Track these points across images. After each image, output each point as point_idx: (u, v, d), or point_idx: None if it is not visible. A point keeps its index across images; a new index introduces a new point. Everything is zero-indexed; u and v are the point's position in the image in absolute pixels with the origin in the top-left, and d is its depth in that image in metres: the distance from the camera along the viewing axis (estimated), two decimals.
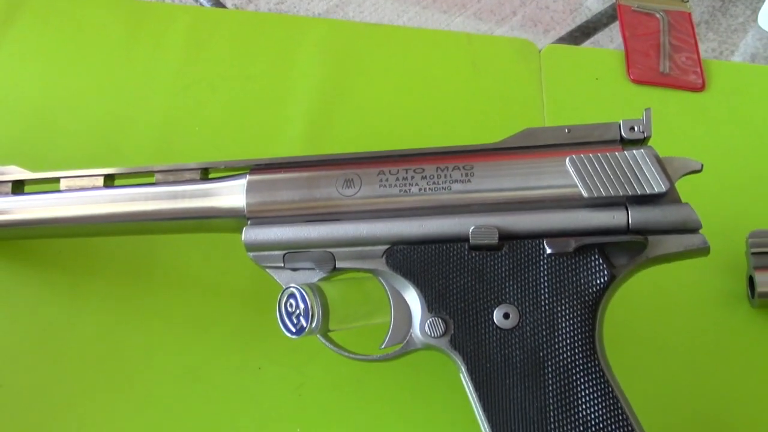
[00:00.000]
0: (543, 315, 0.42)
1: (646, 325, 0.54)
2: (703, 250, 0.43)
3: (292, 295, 0.43)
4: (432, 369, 0.50)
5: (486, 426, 0.42)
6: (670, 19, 0.71)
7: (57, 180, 0.50)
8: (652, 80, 0.67)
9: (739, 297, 0.55)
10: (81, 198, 0.49)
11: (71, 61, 0.63)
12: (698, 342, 0.53)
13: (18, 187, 0.51)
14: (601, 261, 0.42)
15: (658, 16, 0.71)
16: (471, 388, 0.42)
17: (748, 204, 0.59)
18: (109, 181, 0.50)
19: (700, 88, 0.66)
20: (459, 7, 0.76)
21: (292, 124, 0.61)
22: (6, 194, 0.51)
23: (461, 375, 0.43)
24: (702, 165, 0.44)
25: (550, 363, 0.42)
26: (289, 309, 0.43)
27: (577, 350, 0.42)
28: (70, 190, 0.50)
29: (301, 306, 0.42)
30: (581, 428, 0.41)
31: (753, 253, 0.54)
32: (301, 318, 0.42)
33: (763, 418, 0.50)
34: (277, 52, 0.66)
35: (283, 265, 0.46)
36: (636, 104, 0.64)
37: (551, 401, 0.41)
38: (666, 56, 0.68)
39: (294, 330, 0.43)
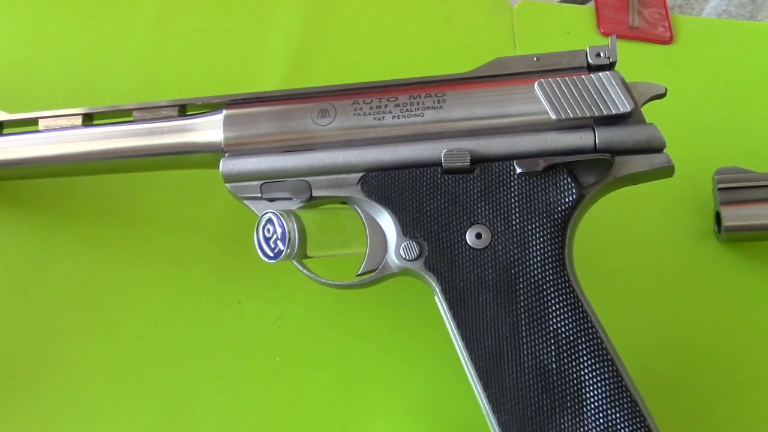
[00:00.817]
0: (514, 234, 0.43)
1: (619, 261, 0.55)
2: (668, 169, 0.44)
3: (269, 221, 0.44)
4: (408, 302, 0.51)
5: (461, 345, 0.43)
6: None
7: (35, 121, 0.51)
8: (622, 33, 0.68)
9: (706, 233, 0.56)
10: (60, 137, 0.50)
11: (49, 10, 0.64)
12: (669, 275, 0.54)
13: None
14: (569, 180, 0.43)
15: None
16: (446, 309, 0.43)
17: (715, 147, 0.60)
18: (88, 120, 0.50)
19: (668, 40, 0.68)
20: None
21: (268, 76, 0.62)
22: None
23: (435, 297, 0.44)
24: (666, 89, 0.45)
25: (521, 280, 0.43)
26: (267, 234, 0.44)
27: (547, 267, 0.43)
28: (48, 129, 0.50)
29: (279, 230, 0.43)
30: (552, 342, 0.42)
31: (719, 189, 0.55)
32: (279, 242, 0.43)
33: (730, 343, 0.51)
34: (254, 7, 0.67)
35: (260, 195, 0.46)
36: None
37: (523, 317, 0.42)
38: (635, 11, 0.70)
39: (272, 254, 0.43)
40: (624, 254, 0.55)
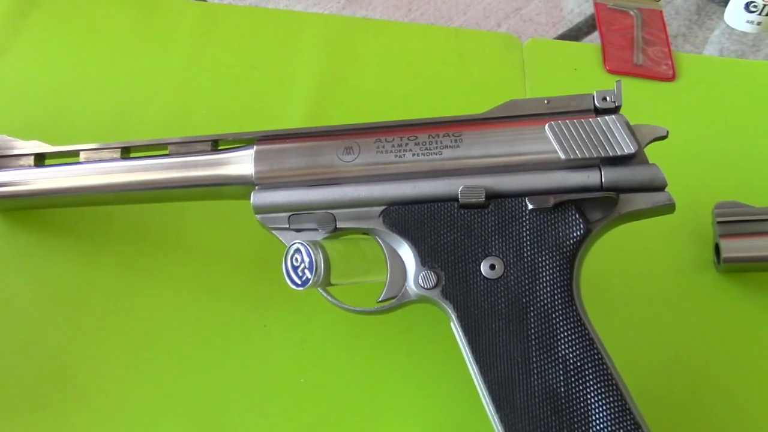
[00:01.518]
0: (525, 265, 0.46)
1: (623, 289, 0.58)
2: (669, 207, 0.47)
3: (297, 250, 0.47)
4: (424, 328, 0.54)
5: (475, 369, 0.46)
6: (643, 16, 0.77)
7: (77, 153, 0.54)
8: (627, 71, 0.72)
9: (706, 264, 0.59)
10: (99, 168, 0.53)
11: (87, 50, 0.67)
12: (670, 303, 0.57)
13: (39, 159, 0.55)
14: (577, 216, 0.46)
15: (632, 13, 0.77)
16: (461, 335, 0.46)
17: (714, 181, 0.63)
18: (126, 153, 0.54)
19: (670, 78, 0.71)
20: (446, 20, 0.80)
21: (293, 111, 0.66)
22: (29, 166, 0.54)
23: (452, 324, 0.47)
24: (668, 131, 0.49)
25: (532, 309, 0.46)
26: (295, 263, 0.47)
27: (556, 297, 0.46)
28: (89, 161, 0.54)
29: (306, 259, 0.46)
30: (561, 367, 0.45)
31: (718, 222, 0.58)
32: (306, 270, 0.46)
33: (726, 367, 0.54)
34: (279, 43, 0.70)
35: (288, 226, 0.50)
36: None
37: (534, 343, 0.45)
38: (639, 49, 0.73)
39: (299, 282, 0.47)
40: (628, 282, 0.58)
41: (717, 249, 0.58)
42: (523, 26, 0.81)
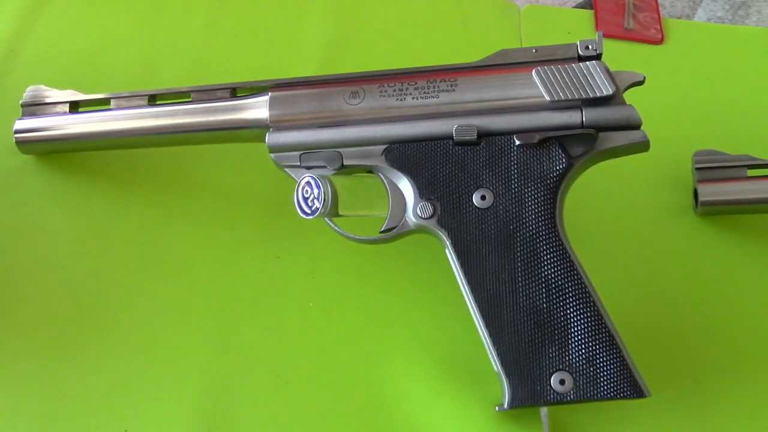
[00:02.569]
0: (513, 196, 0.51)
1: (608, 229, 0.62)
2: (644, 144, 0.52)
3: (308, 183, 0.52)
4: (420, 259, 0.59)
5: (467, 289, 0.51)
6: None
7: (107, 101, 0.59)
8: (618, 35, 0.76)
9: (685, 208, 0.64)
10: (129, 114, 0.58)
11: (116, 10, 0.73)
12: (651, 242, 0.62)
13: (74, 106, 0.59)
14: (560, 151, 0.51)
15: None
16: (454, 259, 0.51)
17: (695, 133, 0.68)
18: (152, 100, 0.59)
19: (659, 41, 0.76)
20: None
21: (303, 67, 0.70)
22: (64, 113, 0.60)
23: (446, 250, 0.52)
24: (644, 77, 0.53)
25: (518, 234, 0.51)
26: (305, 194, 0.52)
27: (540, 224, 0.51)
28: (119, 108, 0.59)
29: (315, 191, 0.52)
30: (543, 286, 0.50)
31: (697, 168, 0.63)
32: (315, 200, 0.52)
33: (700, 298, 0.59)
34: (292, 7, 0.75)
35: (299, 164, 0.55)
36: (604, 55, 0.74)
37: (519, 265, 0.50)
38: (630, 15, 0.78)
39: (309, 211, 0.52)
40: (613, 224, 0.63)
41: (695, 193, 0.63)
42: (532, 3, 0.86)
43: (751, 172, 0.62)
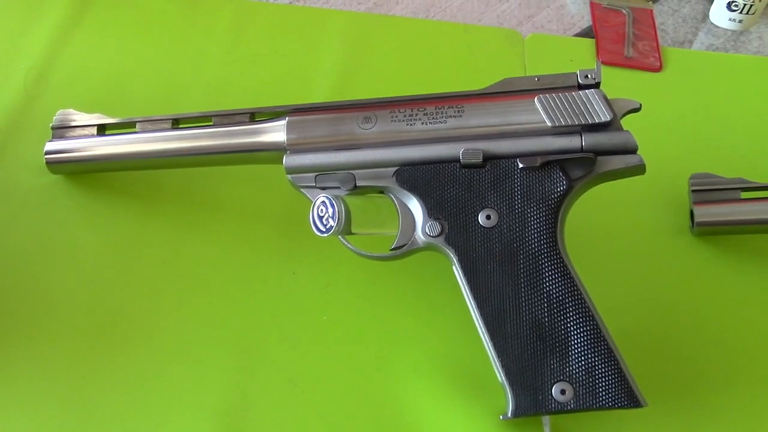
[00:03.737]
0: (516, 216, 0.54)
1: (607, 248, 0.65)
2: (640, 167, 0.55)
3: (323, 202, 0.55)
4: (430, 278, 0.61)
5: (473, 304, 0.54)
6: (634, 14, 0.85)
7: (133, 124, 0.62)
8: (618, 62, 0.80)
9: (682, 228, 0.67)
10: (153, 137, 0.61)
11: (141, 38, 0.76)
12: (649, 262, 0.64)
13: (101, 129, 0.63)
14: (561, 174, 0.54)
15: (624, 12, 0.85)
16: (461, 275, 0.54)
17: (691, 157, 0.71)
18: (176, 123, 0.62)
19: (657, 69, 0.79)
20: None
21: (318, 92, 0.74)
22: (92, 135, 0.63)
23: (453, 267, 0.55)
24: (640, 104, 0.56)
25: (521, 252, 0.54)
26: (320, 213, 0.55)
27: (542, 242, 0.54)
28: (144, 131, 0.62)
29: (330, 210, 0.55)
30: (545, 301, 0.53)
31: (693, 191, 0.65)
32: (330, 219, 0.55)
33: (696, 314, 0.61)
34: (307, 36, 0.79)
35: (314, 184, 0.58)
36: (603, 81, 0.77)
37: (522, 281, 0.53)
38: (630, 44, 0.81)
39: (323, 229, 0.55)
40: (612, 244, 0.65)
41: (692, 214, 0.66)
42: (535, 32, 0.89)
43: (744, 195, 0.65)
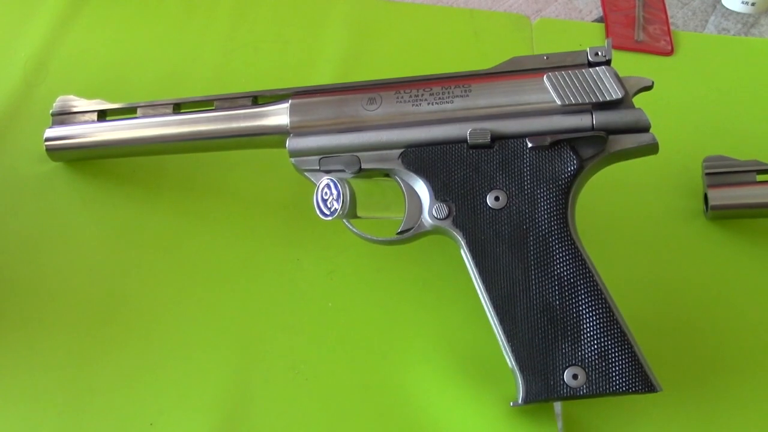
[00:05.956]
0: (526, 197, 0.53)
1: (620, 233, 0.63)
2: (653, 146, 0.53)
3: (327, 185, 0.54)
4: (436, 264, 0.60)
5: (482, 288, 0.52)
6: None
7: (134, 109, 0.61)
8: (628, 47, 0.78)
9: (696, 212, 0.65)
10: (154, 122, 0.60)
11: (141, 23, 0.76)
12: (663, 246, 0.63)
13: (101, 115, 0.62)
14: (571, 153, 0.53)
15: None
16: (469, 258, 0.53)
17: (705, 141, 0.69)
18: (177, 108, 0.61)
19: (669, 52, 0.78)
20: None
21: (321, 79, 0.73)
22: (92, 121, 0.62)
23: (461, 250, 0.54)
24: (653, 82, 0.55)
25: (531, 234, 0.52)
26: (324, 196, 0.54)
27: (553, 223, 0.52)
28: (145, 116, 0.61)
29: (334, 192, 0.53)
30: (556, 283, 0.51)
31: (707, 174, 0.64)
32: (334, 202, 0.53)
33: (710, 298, 0.60)
34: (310, 22, 0.78)
35: (318, 168, 0.57)
36: (614, 65, 0.76)
37: (532, 264, 0.52)
38: (640, 27, 0.80)
39: (328, 212, 0.53)
40: (626, 226, 0.64)
41: (705, 198, 0.64)
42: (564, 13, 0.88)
43: (760, 177, 0.63)
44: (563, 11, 0.86)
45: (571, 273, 0.51)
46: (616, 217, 0.65)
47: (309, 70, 0.74)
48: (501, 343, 0.52)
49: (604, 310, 0.51)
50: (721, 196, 0.63)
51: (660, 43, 0.78)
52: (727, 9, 0.85)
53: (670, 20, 0.82)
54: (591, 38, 0.79)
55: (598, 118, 0.53)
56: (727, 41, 0.80)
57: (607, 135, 0.53)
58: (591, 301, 0.51)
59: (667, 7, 0.83)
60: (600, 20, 0.83)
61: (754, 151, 0.68)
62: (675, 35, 0.80)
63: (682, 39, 0.80)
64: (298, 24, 0.78)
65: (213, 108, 0.60)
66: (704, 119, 0.72)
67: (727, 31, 0.83)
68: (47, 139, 0.62)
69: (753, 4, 0.83)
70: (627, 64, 0.77)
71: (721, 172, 0.64)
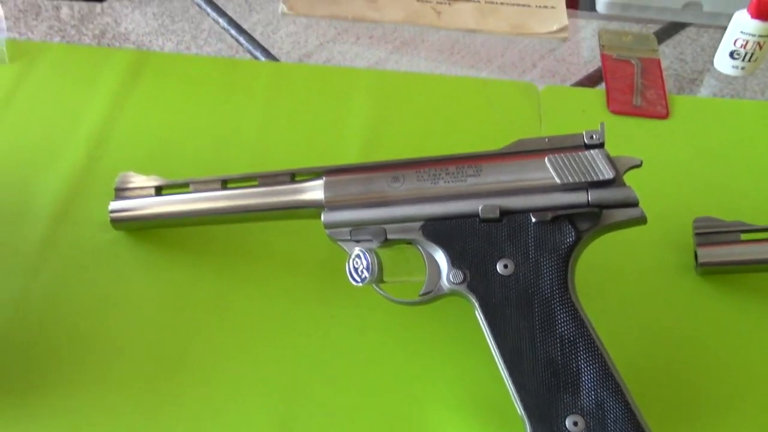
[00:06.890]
0: (531, 265, 0.60)
1: (615, 289, 0.70)
2: (641, 219, 0.61)
3: (357, 255, 0.62)
4: (455, 322, 0.67)
5: (493, 344, 0.59)
6: (642, 64, 0.91)
7: (187, 185, 0.69)
8: (627, 111, 0.86)
9: (687, 268, 0.72)
10: (205, 197, 0.68)
11: (187, 103, 0.84)
12: (655, 301, 0.69)
13: (158, 190, 0.70)
14: (570, 227, 0.60)
15: (633, 62, 0.91)
16: (483, 319, 0.60)
17: (697, 201, 0.76)
18: (225, 184, 0.69)
19: (664, 116, 0.85)
20: (485, 62, 0.95)
21: (349, 150, 0.80)
22: (150, 195, 0.70)
23: (475, 311, 0.61)
24: (641, 161, 0.62)
25: (536, 298, 0.60)
26: (356, 265, 0.62)
27: (555, 288, 0.60)
28: (196, 191, 0.69)
29: (364, 262, 0.61)
30: (558, 341, 0.58)
31: (696, 234, 0.71)
32: (364, 270, 0.61)
33: (701, 350, 0.66)
34: (337, 95, 0.85)
35: (349, 238, 0.64)
36: (613, 129, 0.80)
37: (537, 324, 0.59)
38: (638, 93, 0.87)
39: (359, 279, 0.62)
40: (620, 284, 0.70)
41: (696, 255, 0.71)
42: (556, 66, 0.95)
43: (744, 236, 0.70)
44: (565, 58, 0.93)
45: (571, 332, 0.59)
46: (612, 272, 0.71)
47: (338, 140, 0.81)
48: (511, 392, 0.59)
49: (600, 364, 0.58)
50: (709, 254, 0.70)
51: (656, 107, 0.86)
52: (719, 72, 0.92)
53: (666, 85, 0.89)
54: (593, 104, 0.86)
55: (593, 196, 0.61)
56: (719, 104, 0.88)
57: (601, 210, 0.60)
58: (589, 357, 0.58)
59: (663, 72, 0.90)
60: (599, 73, 0.90)
61: (742, 208, 0.75)
62: (670, 99, 0.87)
63: (677, 102, 0.87)
64: (327, 97, 0.86)
65: (256, 184, 0.68)
66: (696, 179, 0.79)
67: (719, 94, 0.90)
68: (112, 211, 0.70)
69: (743, 69, 0.90)
70: (625, 127, 0.84)
71: (709, 232, 0.71)
